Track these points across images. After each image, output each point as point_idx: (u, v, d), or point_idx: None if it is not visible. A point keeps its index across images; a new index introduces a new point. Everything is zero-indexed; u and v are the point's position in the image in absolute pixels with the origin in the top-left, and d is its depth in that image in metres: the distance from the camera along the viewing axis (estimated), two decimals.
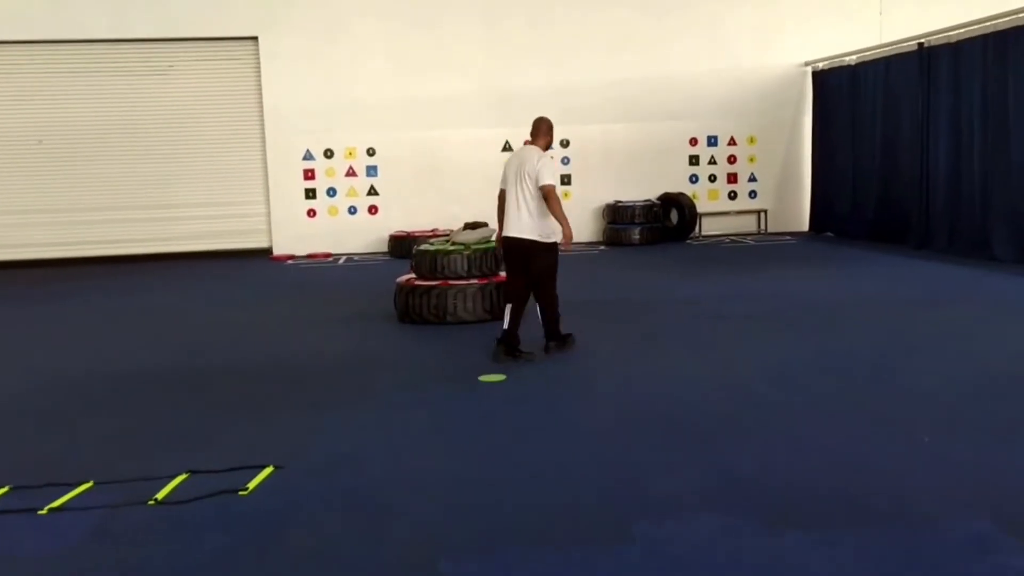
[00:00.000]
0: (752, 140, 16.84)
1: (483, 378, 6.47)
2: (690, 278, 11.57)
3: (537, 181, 6.71)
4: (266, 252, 16.11)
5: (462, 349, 7.65)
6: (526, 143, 7.11)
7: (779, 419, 5.33)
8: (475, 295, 8.67)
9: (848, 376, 6.33)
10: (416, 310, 8.74)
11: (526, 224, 6.76)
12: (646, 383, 6.31)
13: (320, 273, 13.86)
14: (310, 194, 16.17)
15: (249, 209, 16.22)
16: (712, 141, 16.77)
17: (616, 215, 15.82)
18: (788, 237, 16.17)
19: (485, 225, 9.29)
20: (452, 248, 8.91)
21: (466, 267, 8.83)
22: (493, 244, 9.08)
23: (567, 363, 6.99)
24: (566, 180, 16.41)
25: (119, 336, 8.95)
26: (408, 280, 8.97)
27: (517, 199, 6.76)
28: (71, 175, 15.74)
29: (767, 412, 5.48)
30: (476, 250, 8.89)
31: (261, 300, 11.10)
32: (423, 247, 9.09)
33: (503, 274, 9.00)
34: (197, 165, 15.96)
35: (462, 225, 9.43)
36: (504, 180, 6.95)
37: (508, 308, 6.94)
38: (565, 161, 16.39)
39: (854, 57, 15.31)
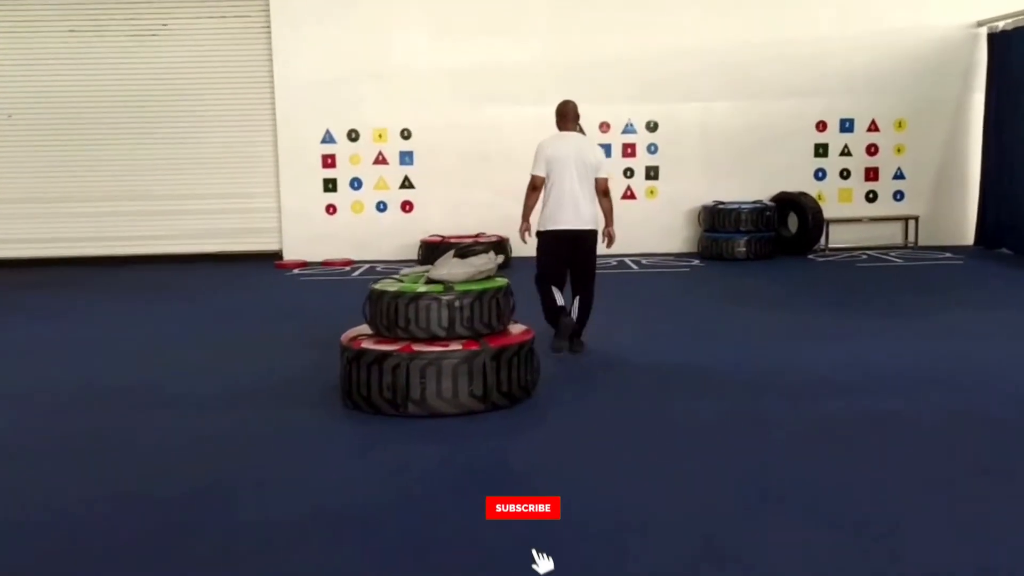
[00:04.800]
0: (900, 125, 13.14)
1: None
2: (821, 325, 7.79)
3: (597, 172, 6.80)
4: (276, 256, 13.13)
5: (404, 493, 4.19)
6: (565, 128, 6.90)
7: None
8: (457, 369, 5.20)
9: None
10: (362, 390, 5.33)
11: (591, 215, 6.75)
12: None
13: (319, 291, 10.63)
14: (329, 186, 13.15)
15: (256, 203, 13.32)
16: (846, 126, 13.14)
17: (716, 220, 12.45)
18: (948, 254, 12.25)
19: (484, 251, 5.77)
20: (425, 289, 5.45)
21: (445, 321, 5.35)
22: (499, 284, 5.61)
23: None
24: (652, 174, 13.15)
25: None
26: (355, 339, 5.54)
27: (580, 189, 6.70)
28: (42, 157, 13.06)
29: None
30: (464, 293, 5.42)
31: (191, 339, 7.81)
32: (380, 285, 5.63)
33: (517, 330, 5.60)
34: (193, 148, 13.13)
35: (452, 252, 5.88)
36: (548, 167, 6.73)
37: (554, 290, 6.74)
38: (652, 149, 13.10)
39: None
